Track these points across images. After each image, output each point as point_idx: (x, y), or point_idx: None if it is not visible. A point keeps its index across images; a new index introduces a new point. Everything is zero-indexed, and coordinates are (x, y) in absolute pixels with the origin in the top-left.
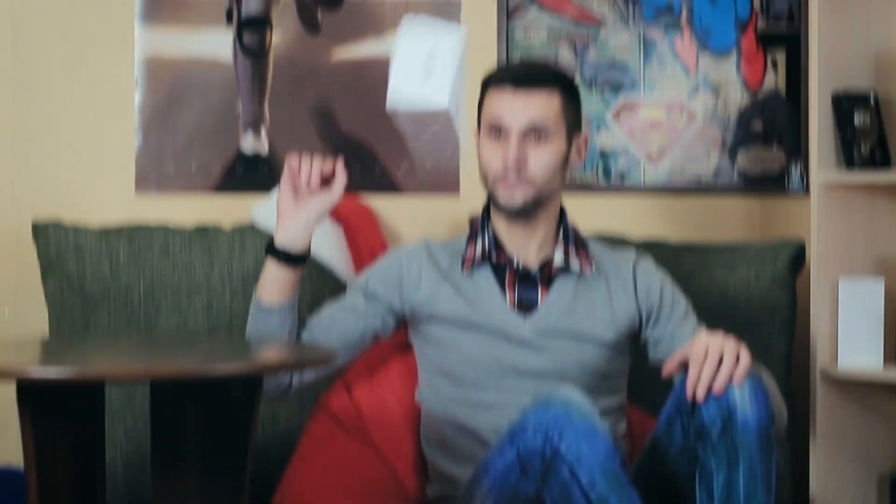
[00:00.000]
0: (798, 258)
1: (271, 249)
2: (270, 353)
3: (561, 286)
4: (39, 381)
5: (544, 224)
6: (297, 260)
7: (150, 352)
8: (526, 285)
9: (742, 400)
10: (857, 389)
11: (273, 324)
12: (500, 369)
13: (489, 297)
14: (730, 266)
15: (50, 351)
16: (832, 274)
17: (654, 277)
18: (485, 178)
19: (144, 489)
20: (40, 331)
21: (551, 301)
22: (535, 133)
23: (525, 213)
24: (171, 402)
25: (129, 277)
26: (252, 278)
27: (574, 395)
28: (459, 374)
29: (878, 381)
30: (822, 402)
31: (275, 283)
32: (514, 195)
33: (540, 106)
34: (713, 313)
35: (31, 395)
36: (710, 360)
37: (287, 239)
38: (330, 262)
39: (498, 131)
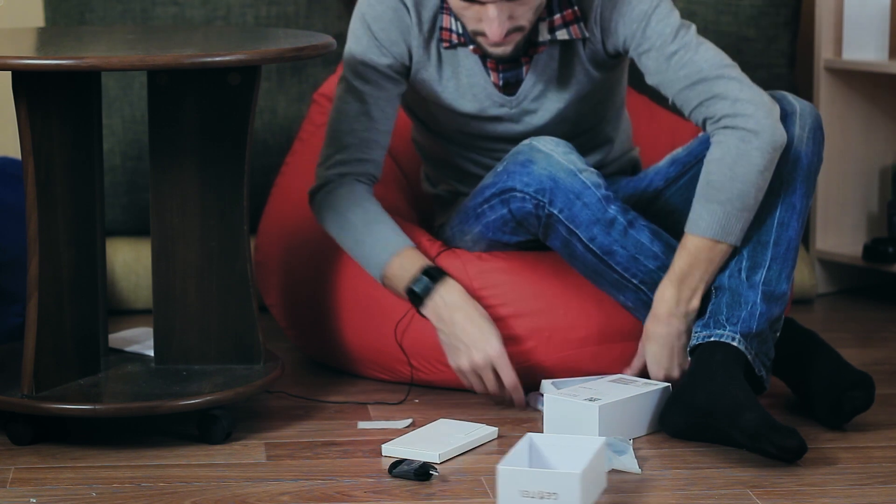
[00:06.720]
0: None
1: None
2: (269, 43)
3: (547, 53)
4: (36, 70)
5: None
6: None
7: (147, 42)
8: (509, 65)
9: (801, 134)
10: (860, 82)
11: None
12: (486, 138)
13: (476, 80)
14: None
15: (46, 42)
16: None
17: (620, 18)
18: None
19: (143, 179)
20: (35, 25)
21: (538, 72)
22: None
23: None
24: (170, 91)
25: None
26: None
27: (553, 148)
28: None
29: (882, 73)
30: (826, 95)
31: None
32: (505, 47)
33: None
34: (717, 6)
35: (28, 85)
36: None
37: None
38: None
39: None
